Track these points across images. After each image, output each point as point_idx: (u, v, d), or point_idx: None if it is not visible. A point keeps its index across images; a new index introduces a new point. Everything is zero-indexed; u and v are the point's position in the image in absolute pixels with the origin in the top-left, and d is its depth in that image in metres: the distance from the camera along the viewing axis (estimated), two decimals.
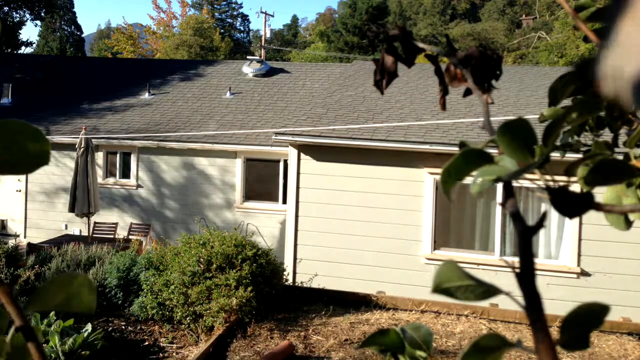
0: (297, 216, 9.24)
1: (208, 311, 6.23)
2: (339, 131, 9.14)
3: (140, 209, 12.98)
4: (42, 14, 28.47)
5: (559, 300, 7.94)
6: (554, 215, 8.55)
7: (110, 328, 6.55)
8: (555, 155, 0.72)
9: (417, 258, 8.90)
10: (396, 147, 8.81)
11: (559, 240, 8.67)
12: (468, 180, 0.59)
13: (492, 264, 8.50)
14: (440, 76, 0.78)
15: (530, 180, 0.61)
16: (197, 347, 6.10)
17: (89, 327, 5.58)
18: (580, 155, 0.96)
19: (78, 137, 10.95)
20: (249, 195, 12.60)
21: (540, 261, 8.52)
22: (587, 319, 0.53)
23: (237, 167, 12.50)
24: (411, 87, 11.62)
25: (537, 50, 38.82)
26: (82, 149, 10.58)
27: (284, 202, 11.63)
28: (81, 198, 10.49)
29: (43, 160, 0.51)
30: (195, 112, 13.84)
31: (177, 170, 12.79)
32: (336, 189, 9.14)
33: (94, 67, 18.03)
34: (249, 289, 6.27)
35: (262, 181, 12.53)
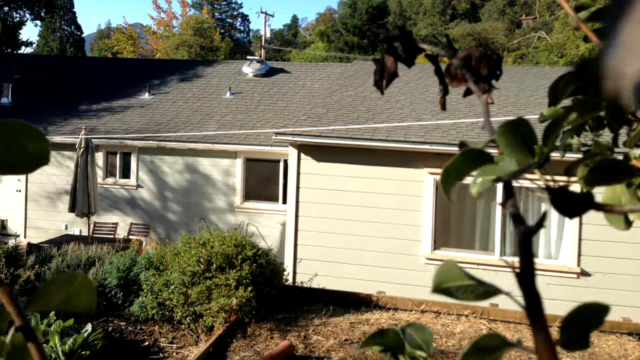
0: (297, 216, 9.25)
1: (208, 311, 6.23)
2: (339, 131, 9.14)
3: (140, 210, 12.98)
4: (42, 14, 28.47)
5: (559, 300, 7.94)
6: (554, 215, 8.55)
7: (110, 328, 6.55)
8: (555, 155, 0.72)
9: (417, 258, 8.90)
10: (396, 147, 8.81)
11: (559, 240, 8.67)
12: (468, 180, 0.59)
13: (492, 264, 8.50)
14: (440, 76, 0.78)
15: (530, 180, 0.61)
16: (197, 347, 6.10)
17: (89, 327, 5.58)
18: (580, 155, 0.96)
19: (78, 137, 10.95)
20: (248, 196, 12.60)
21: (540, 261, 8.52)
22: (587, 319, 0.53)
23: (237, 167, 12.50)
24: (411, 87, 11.62)
25: (537, 50, 38.83)
26: (82, 149, 10.58)
27: (284, 202, 11.63)
28: (81, 198, 10.50)
29: (43, 160, 0.51)
30: (195, 112, 13.84)
31: (177, 170, 12.79)
32: (336, 189, 9.14)
33: (94, 67, 18.03)
34: (249, 289, 6.27)
35: (262, 181, 12.53)
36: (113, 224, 12.26)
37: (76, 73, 17.08)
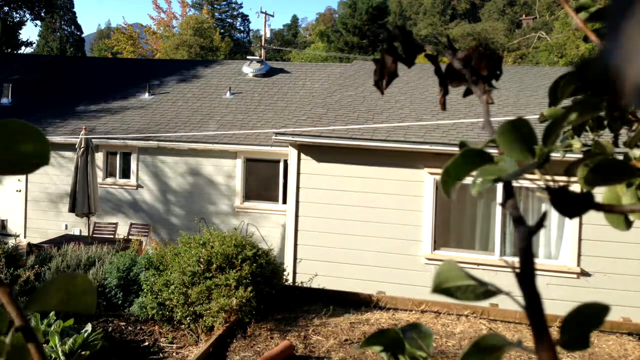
0: (297, 216, 9.25)
1: (208, 311, 6.23)
2: (339, 131, 9.14)
3: (140, 210, 12.98)
4: (42, 14, 28.47)
5: (559, 300, 7.94)
6: (554, 215, 8.55)
7: (110, 328, 6.54)
8: (555, 155, 0.72)
9: (417, 258, 8.90)
10: (396, 147, 8.81)
11: (559, 240, 8.67)
12: (468, 180, 0.59)
13: (492, 264, 8.50)
14: (440, 76, 0.78)
15: (530, 180, 0.61)
16: (197, 347, 6.10)
17: (88, 327, 5.58)
18: (580, 155, 0.96)
19: (78, 137, 10.94)
20: (248, 196, 12.60)
21: (540, 261, 8.52)
22: (587, 319, 0.53)
23: (237, 167, 12.50)
24: (411, 87, 11.62)
25: (537, 50, 38.84)
26: (82, 149, 10.58)
27: (284, 202, 11.63)
28: (81, 198, 10.50)
29: (43, 160, 0.51)
30: (195, 112, 13.84)
31: (177, 170, 12.79)
32: (336, 189, 9.14)
33: (93, 67, 18.03)
34: (249, 289, 6.27)
35: (262, 181, 12.53)
36: (113, 224, 12.26)
37: (76, 73, 17.08)
